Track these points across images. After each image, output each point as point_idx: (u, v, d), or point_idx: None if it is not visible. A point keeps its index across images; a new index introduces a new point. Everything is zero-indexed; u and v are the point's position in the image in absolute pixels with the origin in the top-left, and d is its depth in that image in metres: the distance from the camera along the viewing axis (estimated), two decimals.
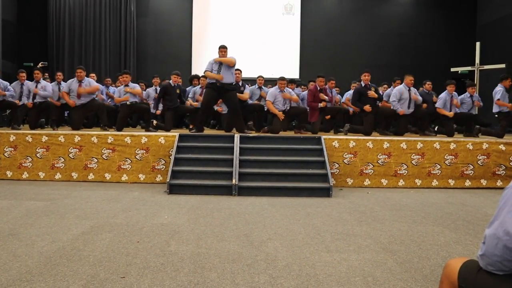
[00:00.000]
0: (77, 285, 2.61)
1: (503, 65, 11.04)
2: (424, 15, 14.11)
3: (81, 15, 13.39)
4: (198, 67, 12.35)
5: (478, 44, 12.07)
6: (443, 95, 8.04)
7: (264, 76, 9.17)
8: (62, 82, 8.73)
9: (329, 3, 14.19)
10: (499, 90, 7.75)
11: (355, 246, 3.51)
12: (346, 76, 11.07)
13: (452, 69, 12.37)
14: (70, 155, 6.50)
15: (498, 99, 7.69)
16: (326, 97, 7.63)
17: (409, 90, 7.60)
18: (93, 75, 9.32)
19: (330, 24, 13.96)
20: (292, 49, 13.78)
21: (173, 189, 5.72)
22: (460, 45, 13.67)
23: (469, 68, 12.08)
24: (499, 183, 6.60)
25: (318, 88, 7.69)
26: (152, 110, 8.47)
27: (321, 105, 7.54)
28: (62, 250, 3.25)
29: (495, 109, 7.92)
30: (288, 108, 7.63)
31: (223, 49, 7.06)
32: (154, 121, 8.12)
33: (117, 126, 7.48)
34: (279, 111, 7.47)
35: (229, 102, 7.17)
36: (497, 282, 1.40)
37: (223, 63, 6.91)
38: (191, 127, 7.67)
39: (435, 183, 6.54)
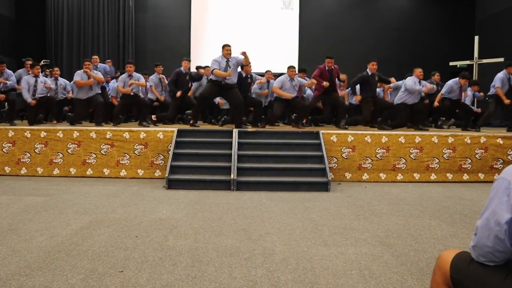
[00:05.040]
0: (75, 279, 2.63)
1: (501, 59, 11.04)
2: (422, 9, 14.09)
3: (79, 11, 13.37)
4: (197, 61, 12.34)
5: (476, 38, 12.08)
6: (450, 83, 8.08)
7: (263, 71, 9.18)
8: (59, 78, 8.73)
9: None
10: (499, 78, 7.81)
11: (352, 240, 3.53)
12: (345, 70, 11.05)
13: (451, 63, 12.38)
14: (69, 150, 6.51)
15: (498, 87, 7.74)
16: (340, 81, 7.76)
17: (419, 82, 7.66)
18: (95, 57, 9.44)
19: (329, 19, 13.94)
20: (290, 43, 13.77)
21: (172, 184, 5.73)
22: (459, 39, 13.67)
23: (467, 62, 12.09)
24: (496, 177, 6.60)
25: (327, 68, 7.76)
26: (167, 97, 8.74)
27: (325, 84, 7.61)
28: (61, 245, 3.26)
29: (491, 91, 8.01)
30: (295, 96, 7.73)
31: (228, 47, 7.07)
32: (153, 116, 8.13)
33: (115, 111, 7.58)
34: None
35: (232, 99, 7.20)
36: (488, 273, 1.42)
37: (231, 63, 6.95)
38: (192, 122, 7.60)
39: (433, 177, 6.56)
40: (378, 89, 8.66)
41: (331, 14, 13.99)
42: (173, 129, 6.58)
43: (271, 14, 13.81)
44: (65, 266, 2.84)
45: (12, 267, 2.81)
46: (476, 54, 11.96)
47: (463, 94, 8.05)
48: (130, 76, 7.74)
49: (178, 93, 8.13)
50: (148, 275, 2.72)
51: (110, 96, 8.89)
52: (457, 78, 8.01)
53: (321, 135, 6.44)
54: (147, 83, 9.17)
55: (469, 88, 8.41)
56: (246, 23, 13.64)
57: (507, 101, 7.65)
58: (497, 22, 12.48)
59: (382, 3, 14.14)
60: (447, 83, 8.14)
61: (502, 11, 12.29)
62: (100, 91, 7.91)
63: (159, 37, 13.83)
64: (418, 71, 7.72)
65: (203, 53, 12.99)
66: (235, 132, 6.48)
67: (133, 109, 9.23)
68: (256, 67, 9.81)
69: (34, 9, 13.31)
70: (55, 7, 13.24)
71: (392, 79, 8.14)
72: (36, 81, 7.75)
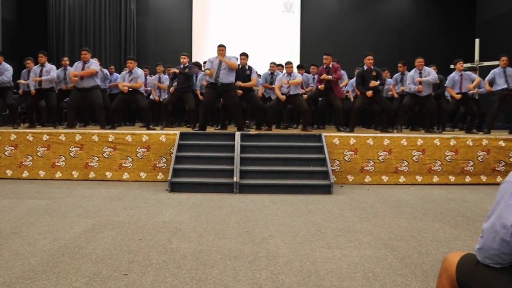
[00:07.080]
0: (80, 283, 2.63)
1: None
2: (423, 12, 14.11)
3: (81, 14, 13.41)
4: None
5: (477, 40, 12.08)
6: (451, 74, 8.09)
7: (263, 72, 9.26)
8: (68, 67, 8.45)
9: (329, 0, 14.19)
10: (491, 71, 7.96)
11: (355, 242, 3.53)
12: (346, 72, 11.09)
13: (452, 66, 12.37)
14: (71, 153, 6.52)
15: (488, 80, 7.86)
16: (329, 77, 7.70)
17: (420, 73, 7.65)
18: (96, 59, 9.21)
19: (330, 22, 13.97)
20: (292, 46, 13.79)
21: (175, 187, 5.74)
22: (460, 42, 13.66)
23: (468, 64, 12.08)
24: (499, 179, 6.62)
25: (324, 66, 7.87)
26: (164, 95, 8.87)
27: (320, 87, 7.83)
28: (65, 248, 3.27)
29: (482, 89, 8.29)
30: (289, 92, 7.67)
31: (221, 47, 7.06)
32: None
33: (113, 106, 7.57)
34: (282, 94, 7.68)
35: (229, 101, 7.21)
36: (494, 275, 1.42)
37: (224, 63, 6.94)
38: (196, 126, 7.52)
39: (435, 179, 6.55)
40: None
41: (332, 17, 14.02)
42: (176, 132, 6.59)
43: (273, 17, 13.84)
44: (69, 269, 2.85)
45: (16, 270, 2.82)
46: (477, 57, 11.96)
47: (464, 86, 7.96)
48: (130, 72, 7.64)
49: (171, 89, 7.95)
50: (152, 278, 2.73)
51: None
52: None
53: (323, 138, 6.44)
54: (148, 83, 9.18)
55: (469, 73, 8.24)
56: (248, 26, 13.67)
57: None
58: (497, 25, 12.49)
59: (383, 6, 14.17)
60: (449, 76, 8.15)
61: (502, 13, 12.31)
62: (99, 83, 7.65)
63: (160, 40, 13.87)
64: (417, 61, 7.71)
65: (205, 56, 12.93)
66: (238, 135, 6.49)
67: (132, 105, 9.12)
68: (257, 69, 9.82)
69: (35, 12, 13.35)
70: (56, 10, 13.28)
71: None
72: (41, 70, 7.63)
